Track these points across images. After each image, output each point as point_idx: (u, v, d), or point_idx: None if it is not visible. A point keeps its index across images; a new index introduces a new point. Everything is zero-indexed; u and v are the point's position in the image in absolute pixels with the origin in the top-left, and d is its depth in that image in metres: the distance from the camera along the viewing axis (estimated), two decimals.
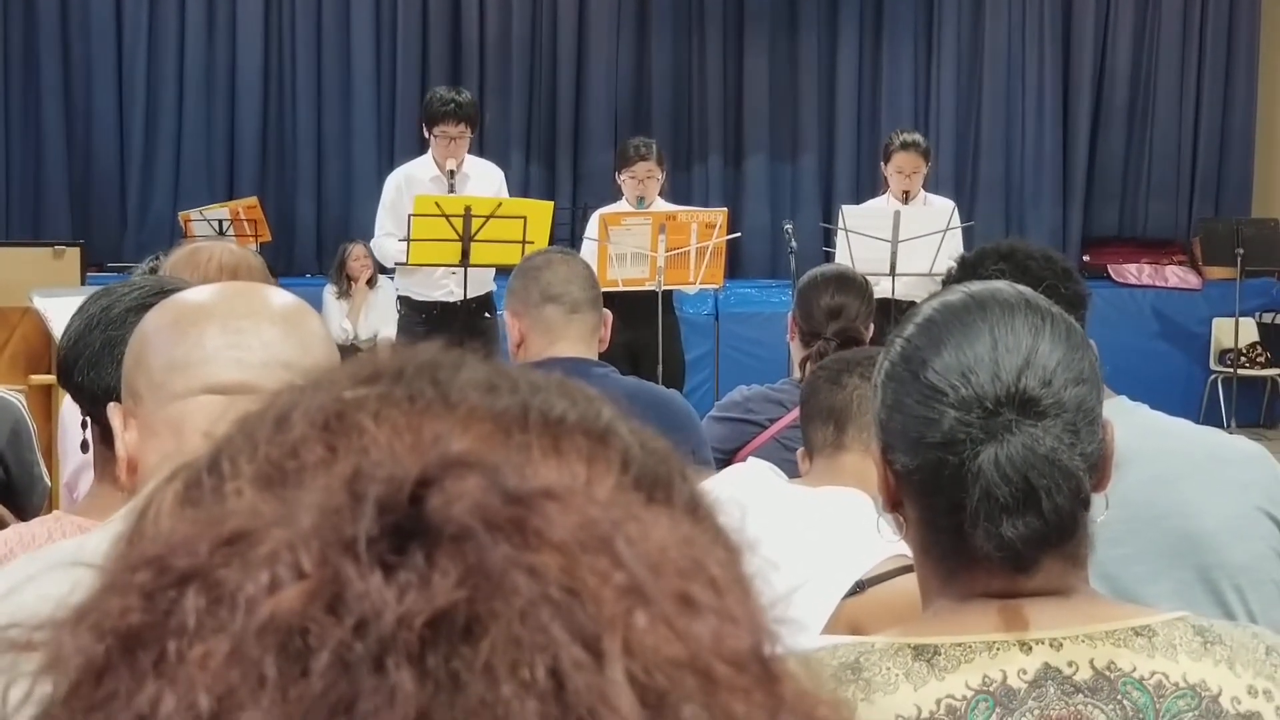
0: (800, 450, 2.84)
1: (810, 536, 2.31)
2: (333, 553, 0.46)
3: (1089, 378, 1.48)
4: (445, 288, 7.42)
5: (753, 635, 0.48)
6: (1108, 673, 1.43)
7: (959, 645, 1.44)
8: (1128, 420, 2.33)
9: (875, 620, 2.05)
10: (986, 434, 1.42)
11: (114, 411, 1.64)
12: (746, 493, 2.47)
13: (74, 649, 0.46)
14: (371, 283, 9.87)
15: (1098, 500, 1.50)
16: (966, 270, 2.58)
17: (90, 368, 2.11)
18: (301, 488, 0.49)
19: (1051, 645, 1.44)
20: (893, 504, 1.54)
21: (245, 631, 0.45)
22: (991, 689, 1.42)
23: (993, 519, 1.39)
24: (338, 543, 0.46)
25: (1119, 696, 1.42)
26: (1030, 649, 1.44)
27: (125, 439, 1.60)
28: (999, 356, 1.46)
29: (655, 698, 0.44)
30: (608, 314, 3.67)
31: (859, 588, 2.25)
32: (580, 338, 3.57)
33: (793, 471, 2.84)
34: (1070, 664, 1.43)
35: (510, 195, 7.72)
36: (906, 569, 2.02)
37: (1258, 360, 10.95)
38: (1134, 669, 1.43)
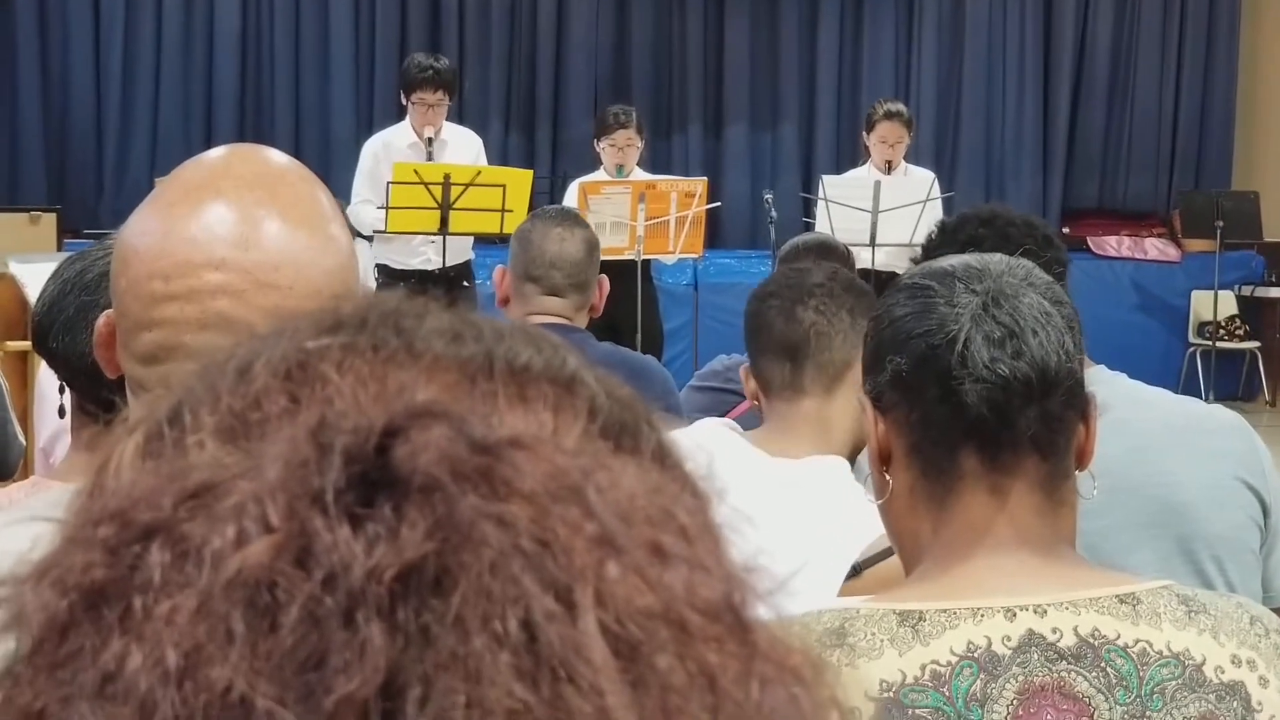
0: (745, 369, 2.66)
1: (800, 521, 2.23)
2: (300, 505, 0.45)
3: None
4: (423, 255, 7.40)
5: (725, 584, 0.47)
6: (1091, 640, 1.43)
7: (944, 611, 1.44)
8: (1107, 389, 2.33)
9: None
10: (974, 302, 1.50)
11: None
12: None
13: (37, 605, 0.45)
14: None
15: (1084, 478, 1.52)
16: (947, 235, 2.57)
17: (65, 333, 2.09)
18: (265, 439, 0.48)
19: (1036, 611, 1.44)
20: (881, 455, 1.53)
21: (212, 586, 0.44)
22: (976, 655, 1.42)
23: (981, 357, 1.46)
24: (305, 495, 0.45)
25: (1102, 664, 1.42)
26: (1014, 615, 1.44)
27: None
28: (981, 264, 1.55)
29: (628, 649, 0.44)
30: (603, 279, 3.65)
31: (856, 571, 2.22)
32: (559, 312, 3.56)
33: None
34: (1054, 630, 1.43)
35: (489, 163, 7.70)
36: None
37: (1236, 333, 10.98)
38: (1118, 636, 1.43)
